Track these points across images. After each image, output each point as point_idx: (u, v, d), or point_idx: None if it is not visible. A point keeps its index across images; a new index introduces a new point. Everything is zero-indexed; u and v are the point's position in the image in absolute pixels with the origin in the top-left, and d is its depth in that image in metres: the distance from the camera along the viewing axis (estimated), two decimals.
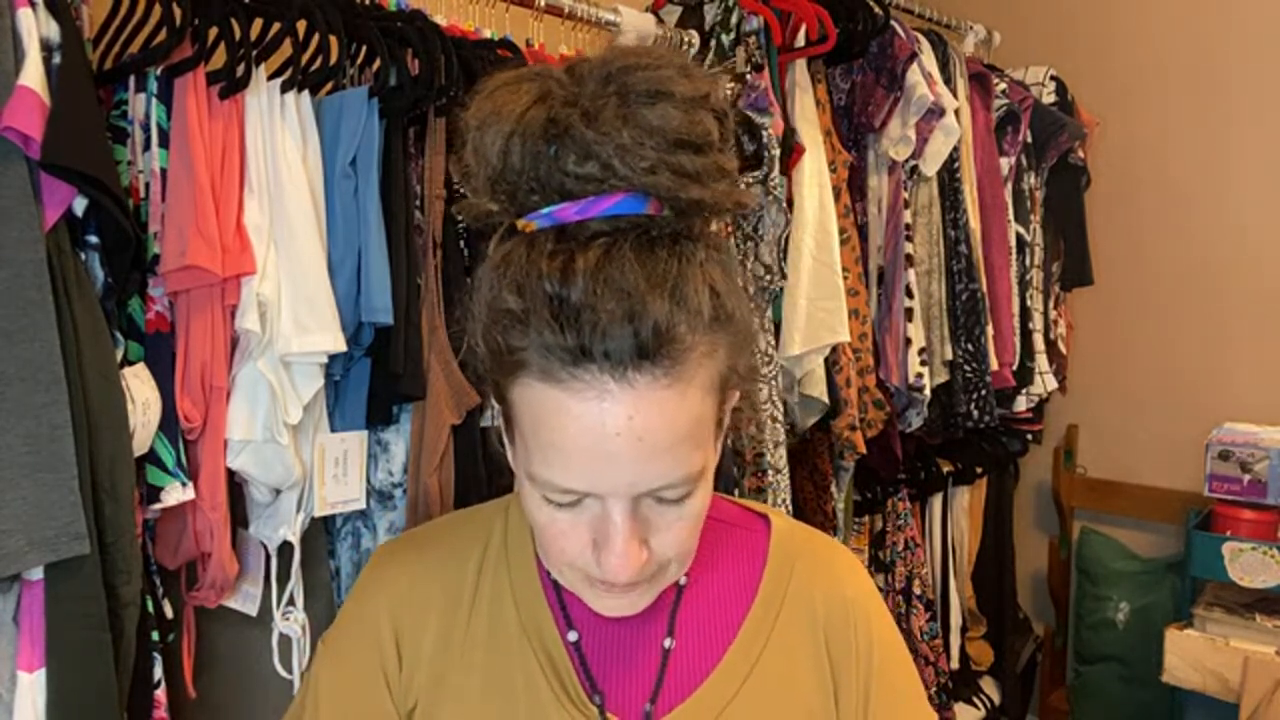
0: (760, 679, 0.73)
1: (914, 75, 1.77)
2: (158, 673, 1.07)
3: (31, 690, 0.89)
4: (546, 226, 0.58)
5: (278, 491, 1.14)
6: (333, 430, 1.17)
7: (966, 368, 1.97)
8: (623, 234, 0.57)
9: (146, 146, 1.04)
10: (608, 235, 0.57)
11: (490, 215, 0.62)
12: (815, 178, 1.65)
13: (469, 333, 0.63)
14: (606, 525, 0.60)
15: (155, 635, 1.07)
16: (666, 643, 0.73)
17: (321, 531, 1.31)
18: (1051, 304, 2.40)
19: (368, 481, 1.21)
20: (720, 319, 0.59)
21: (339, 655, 0.76)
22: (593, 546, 0.62)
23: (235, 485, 1.13)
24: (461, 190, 1.22)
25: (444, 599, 0.75)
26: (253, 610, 1.21)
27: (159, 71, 1.04)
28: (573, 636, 0.73)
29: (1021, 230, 2.22)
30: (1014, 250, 2.17)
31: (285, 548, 1.17)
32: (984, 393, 1.98)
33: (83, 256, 0.95)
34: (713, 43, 1.64)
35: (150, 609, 1.06)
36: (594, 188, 0.57)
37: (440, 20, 1.25)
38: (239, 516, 1.17)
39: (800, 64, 1.69)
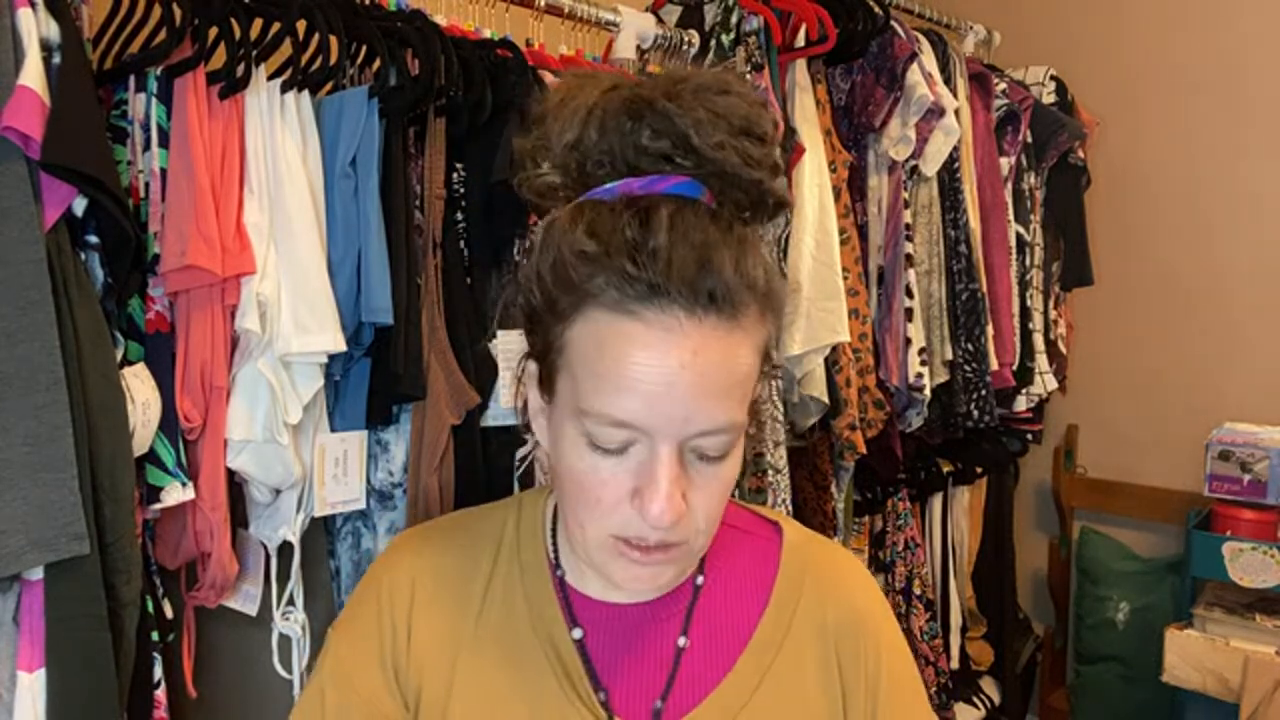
0: (771, 688, 0.73)
1: (914, 75, 1.77)
2: (158, 673, 1.07)
3: (31, 690, 0.89)
4: (607, 200, 0.63)
5: (278, 491, 1.14)
6: (333, 430, 1.17)
7: (966, 368, 1.97)
8: (687, 203, 0.62)
9: (146, 146, 1.04)
10: (671, 202, 0.61)
11: (551, 189, 0.66)
12: (815, 178, 1.65)
13: (523, 287, 0.66)
14: (654, 468, 0.61)
15: (155, 635, 1.07)
16: (681, 641, 0.74)
17: (321, 531, 1.31)
18: (1051, 304, 2.40)
19: (368, 481, 1.21)
20: (770, 294, 0.63)
21: (349, 636, 0.76)
22: (632, 497, 0.62)
23: (235, 485, 1.13)
24: (459, 188, 1.22)
25: (455, 594, 0.75)
26: (253, 610, 1.21)
27: (159, 71, 1.04)
28: (577, 634, 0.73)
29: (1021, 230, 2.22)
30: (1014, 250, 2.17)
31: (285, 548, 1.17)
32: (984, 393, 1.98)
33: (83, 256, 0.95)
34: (713, 43, 1.64)
35: (150, 609, 1.06)
36: (659, 166, 0.63)
37: (440, 20, 1.25)
38: (239, 516, 1.17)
39: (800, 64, 1.69)
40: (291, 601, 1.20)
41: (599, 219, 0.61)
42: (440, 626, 0.74)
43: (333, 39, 1.11)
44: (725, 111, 0.62)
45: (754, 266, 0.62)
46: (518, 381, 0.72)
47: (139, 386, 0.98)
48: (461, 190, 1.23)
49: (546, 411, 0.68)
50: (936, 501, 2.33)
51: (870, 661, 0.76)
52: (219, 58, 1.04)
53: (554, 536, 0.77)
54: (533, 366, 0.68)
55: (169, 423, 1.01)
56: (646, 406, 0.59)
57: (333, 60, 1.11)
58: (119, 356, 0.99)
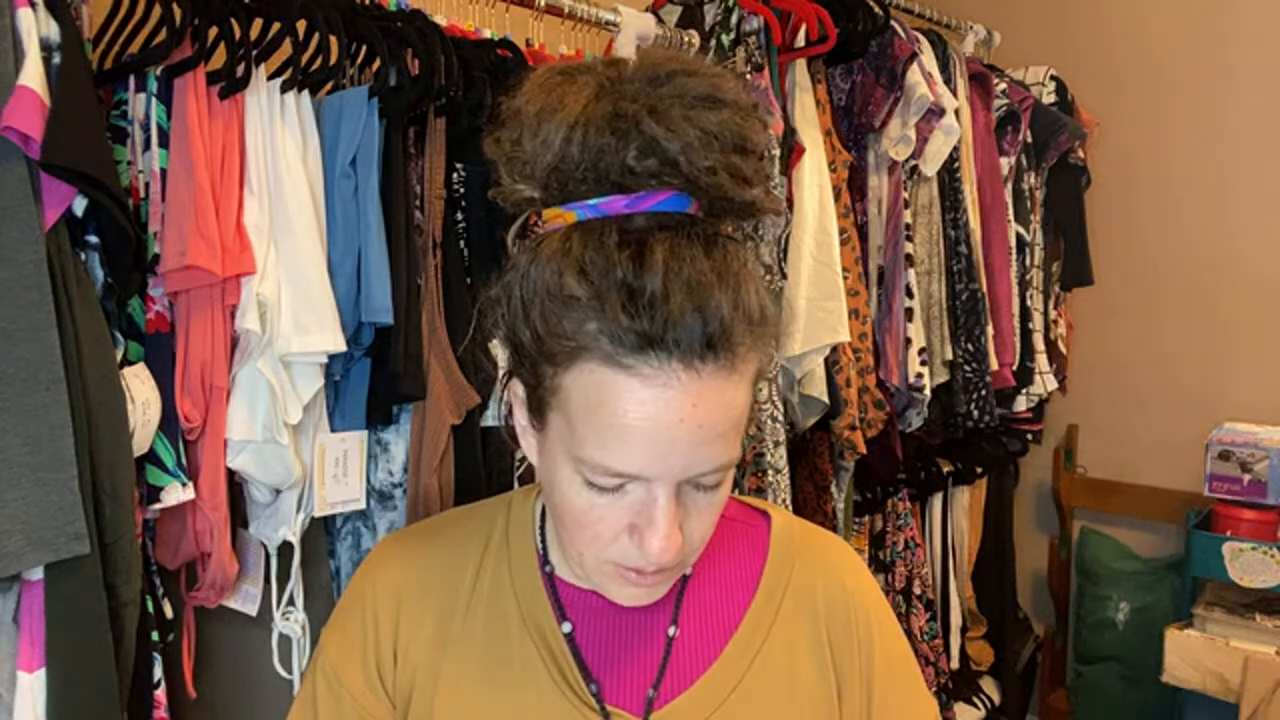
0: (762, 669, 0.74)
1: (914, 75, 1.77)
2: (158, 673, 1.07)
3: (31, 690, 0.89)
4: (590, 218, 0.60)
5: (278, 491, 1.14)
6: (333, 430, 1.17)
7: (966, 368, 1.97)
8: (678, 229, 0.59)
9: (146, 146, 1.04)
10: (662, 230, 0.59)
11: (530, 203, 0.64)
12: (815, 177, 1.65)
13: (506, 315, 0.63)
14: (651, 509, 0.61)
15: (155, 635, 1.07)
16: (671, 630, 0.74)
17: (321, 531, 1.31)
18: (1051, 304, 2.40)
19: (368, 481, 1.21)
20: (765, 317, 0.61)
21: (338, 639, 0.77)
22: (629, 532, 0.63)
23: (235, 485, 1.13)
24: (459, 188, 1.22)
25: (443, 591, 0.75)
26: (253, 610, 1.21)
27: (159, 71, 1.04)
28: (566, 628, 0.74)
29: (1021, 230, 2.22)
30: (1014, 250, 2.17)
31: (285, 548, 1.17)
32: (984, 393, 1.98)
33: (83, 256, 0.95)
34: (713, 43, 1.64)
35: (150, 609, 1.06)
36: (645, 183, 0.60)
37: (440, 20, 1.25)
38: (239, 516, 1.17)
39: (800, 64, 1.69)
40: (291, 601, 1.20)
41: (588, 255, 0.58)
42: (429, 631, 0.74)
43: (333, 39, 1.11)
44: (717, 130, 0.59)
45: (749, 296, 0.59)
46: (502, 390, 0.71)
47: (139, 386, 0.98)
48: (461, 190, 1.23)
49: (536, 434, 0.67)
50: (936, 501, 2.33)
51: (863, 641, 0.77)
52: (219, 58, 1.04)
53: (543, 532, 0.78)
54: (520, 389, 0.67)
55: (169, 423, 1.01)
56: (645, 460, 0.59)
57: (333, 60, 1.11)
58: (119, 356, 0.99)
